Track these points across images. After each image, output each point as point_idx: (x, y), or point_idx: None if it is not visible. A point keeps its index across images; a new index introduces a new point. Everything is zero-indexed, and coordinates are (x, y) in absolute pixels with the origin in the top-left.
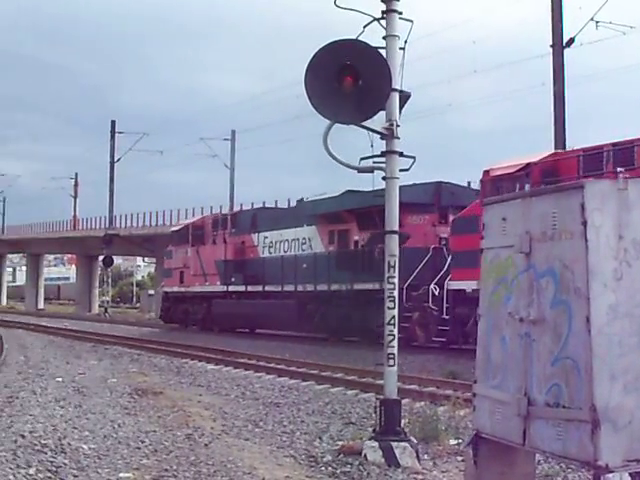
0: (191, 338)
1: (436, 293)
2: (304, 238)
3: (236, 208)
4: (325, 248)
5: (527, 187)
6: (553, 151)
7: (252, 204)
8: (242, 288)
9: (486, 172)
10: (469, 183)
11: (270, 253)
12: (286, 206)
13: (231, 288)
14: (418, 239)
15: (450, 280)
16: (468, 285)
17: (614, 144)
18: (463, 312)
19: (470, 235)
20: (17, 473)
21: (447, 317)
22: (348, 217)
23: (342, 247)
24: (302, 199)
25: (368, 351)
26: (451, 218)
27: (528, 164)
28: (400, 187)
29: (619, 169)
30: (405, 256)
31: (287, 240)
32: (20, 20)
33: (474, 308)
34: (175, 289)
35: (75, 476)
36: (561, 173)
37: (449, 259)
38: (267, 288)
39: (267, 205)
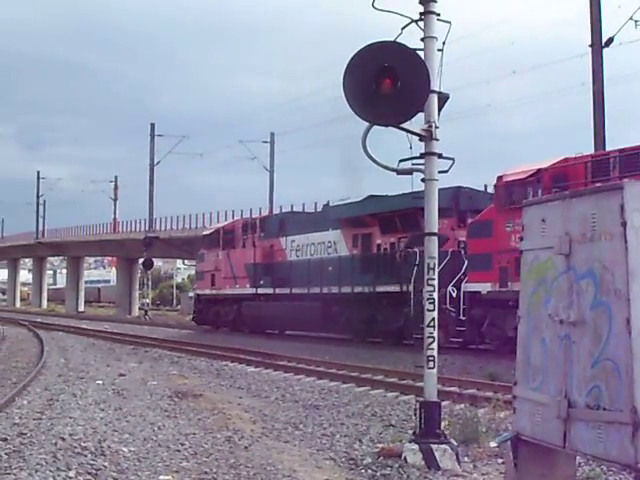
0: (230, 340)
1: (453, 295)
2: (330, 242)
3: (275, 210)
4: (349, 251)
5: (539, 192)
6: (563, 157)
7: (291, 206)
8: (270, 290)
9: (499, 178)
10: (485, 187)
11: (297, 256)
12: (319, 210)
13: (260, 290)
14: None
15: (466, 282)
16: (483, 287)
17: (621, 150)
18: (478, 313)
19: (485, 239)
20: (57, 476)
21: (464, 318)
22: (371, 221)
23: (365, 250)
24: (328, 204)
25: (408, 353)
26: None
27: (539, 170)
28: (417, 192)
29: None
30: (424, 259)
31: (314, 244)
32: (62, 26)
33: (489, 309)
34: (207, 292)
35: (115, 479)
36: (570, 179)
37: (466, 262)
38: (294, 290)
39: (305, 209)
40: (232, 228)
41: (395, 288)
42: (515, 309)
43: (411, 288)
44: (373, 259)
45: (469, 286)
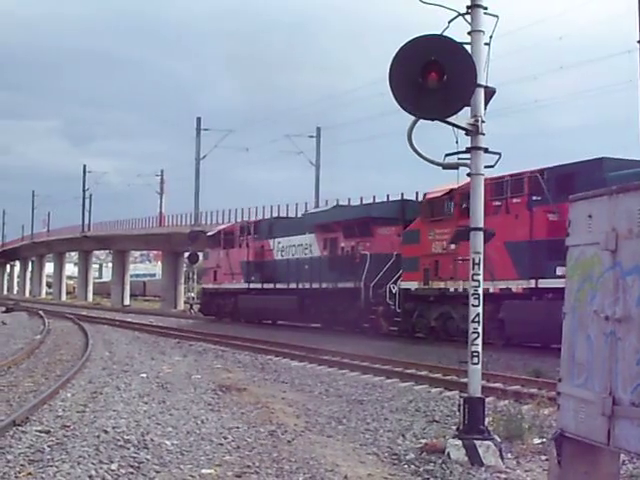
0: (274, 335)
1: (393, 291)
2: (306, 244)
3: (321, 205)
4: (320, 253)
5: (451, 208)
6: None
7: (337, 201)
8: (259, 285)
9: (425, 195)
10: (417, 194)
11: (282, 256)
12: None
13: (252, 285)
14: (385, 246)
15: (401, 281)
16: (411, 285)
17: (511, 175)
18: (410, 307)
19: (414, 245)
20: (99, 469)
21: (399, 311)
22: (336, 227)
23: (332, 252)
24: (306, 211)
25: (453, 349)
26: None
27: (452, 189)
28: (371, 204)
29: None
30: (374, 260)
31: (294, 245)
32: (110, 22)
33: (417, 303)
34: (210, 286)
35: (157, 472)
36: None
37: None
38: (278, 286)
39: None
40: (231, 230)
41: (351, 285)
42: (435, 304)
43: (362, 285)
44: (336, 260)
45: (403, 284)
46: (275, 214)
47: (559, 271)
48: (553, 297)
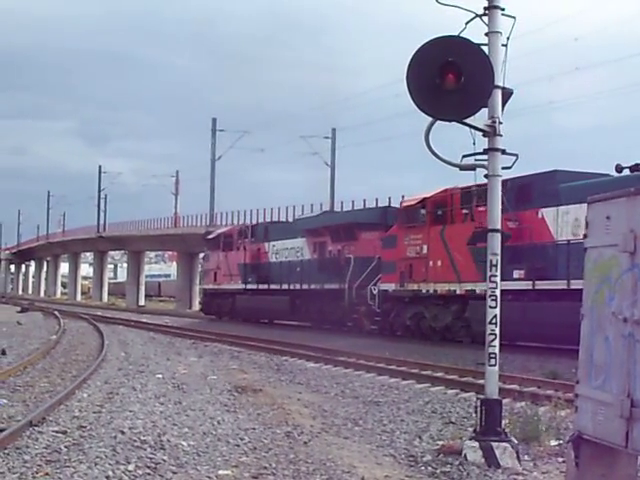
0: (289, 336)
1: (374, 292)
2: (298, 247)
3: (337, 206)
4: (311, 256)
5: (424, 216)
6: (443, 188)
7: (352, 202)
8: (255, 286)
9: (401, 203)
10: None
11: (276, 258)
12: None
13: (248, 286)
14: (368, 250)
15: (380, 283)
16: (389, 287)
17: (478, 185)
18: (388, 307)
19: (391, 249)
20: (116, 469)
21: (379, 310)
22: (325, 232)
23: (321, 255)
24: (298, 216)
25: (469, 350)
26: None
27: (424, 198)
28: (354, 210)
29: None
30: (357, 263)
31: (287, 248)
32: (125, 22)
33: (394, 304)
34: (210, 286)
35: (174, 473)
36: (447, 205)
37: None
38: (272, 286)
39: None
40: (230, 233)
41: (336, 286)
42: (409, 304)
43: (346, 286)
44: (324, 262)
45: (382, 286)
46: (290, 215)
47: (516, 274)
48: (512, 298)
